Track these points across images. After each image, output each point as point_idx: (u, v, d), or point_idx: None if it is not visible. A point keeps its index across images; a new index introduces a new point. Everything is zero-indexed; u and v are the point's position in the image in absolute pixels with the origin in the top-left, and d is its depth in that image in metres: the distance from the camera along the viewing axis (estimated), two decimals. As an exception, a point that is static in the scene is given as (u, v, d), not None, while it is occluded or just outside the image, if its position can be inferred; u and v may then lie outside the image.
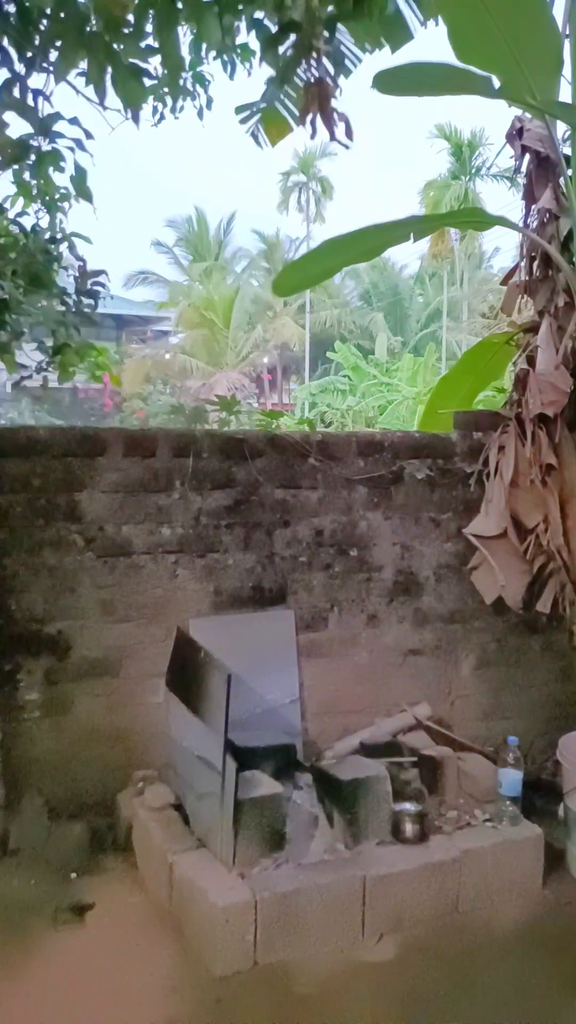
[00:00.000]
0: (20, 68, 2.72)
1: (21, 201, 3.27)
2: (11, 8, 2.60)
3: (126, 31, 2.43)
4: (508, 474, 2.86)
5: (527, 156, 3.09)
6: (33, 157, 2.86)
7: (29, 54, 2.67)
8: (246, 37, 3.06)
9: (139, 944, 2.03)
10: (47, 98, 2.80)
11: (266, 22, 2.71)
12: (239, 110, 3.58)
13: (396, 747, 2.58)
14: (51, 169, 2.98)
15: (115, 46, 2.42)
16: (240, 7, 2.68)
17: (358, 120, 2.98)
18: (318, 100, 2.75)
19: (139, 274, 25.75)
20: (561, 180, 3.00)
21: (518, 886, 2.23)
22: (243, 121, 3.63)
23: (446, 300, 23.99)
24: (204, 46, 3.28)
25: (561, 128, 2.98)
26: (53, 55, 2.59)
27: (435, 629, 2.99)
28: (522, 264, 3.14)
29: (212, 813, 2.14)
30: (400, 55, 3.08)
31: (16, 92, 2.70)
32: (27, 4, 2.51)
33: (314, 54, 2.63)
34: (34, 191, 3.23)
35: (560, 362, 2.88)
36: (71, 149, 2.81)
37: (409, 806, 2.19)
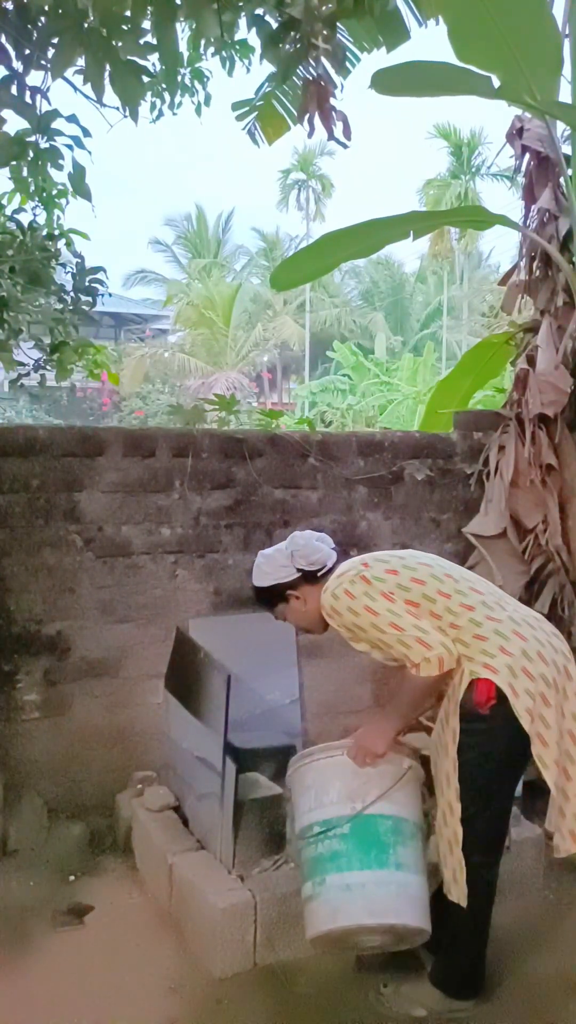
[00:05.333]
0: (18, 65, 2.70)
1: (18, 198, 3.26)
2: (9, 5, 2.58)
3: (124, 27, 2.42)
4: (508, 474, 2.86)
5: (527, 156, 3.09)
6: (31, 154, 2.85)
7: (27, 51, 2.66)
8: (245, 33, 3.05)
9: (139, 945, 2.02)
10: (45, 95, 2.79)
11: (267, 18, 2.70)
12: (236, 107, 3.57)
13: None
14: (49, 166, 2.96)
15: (113, 43, 2.40)
16: (240, 3, 2.67)
17: (358, 118, 2.97)
18: (316, 99, 2.73)
19: (138, 273, 25.72)
20: (561, 180, 3.00)
21: (518, 886, 2.23)
22: (240, 118, 3.62)
23: (446, 299, 23.97)
24: (203, 43, 3.26)
25: (561, 128, 2.98)
26: (51, 52, 2.57)
27: (435, 629, 2.99)
28: (522, 264, 3.14)
29: (212, 814, 2.13)
30: (396, 55, 3.08)
31: (14, 89, 2.68)
32: (25, 1, 2.49)
33: (313, 52, 2.61)
34: (31, 188, 3.21)
35: (560, 362, 2.88)
36: (69, 147, 2.79)
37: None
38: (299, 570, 1.90)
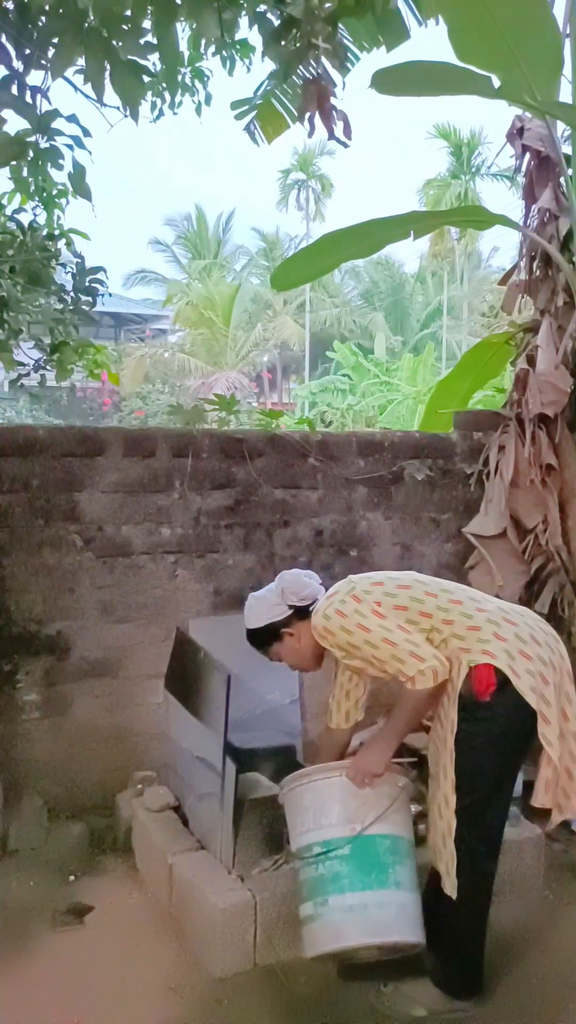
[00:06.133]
0: (18, 65, 2.70)
1: (18, 198, 3.26)
2: (9, 5, 2.58)
3: (124, 27, 2.42)
4: (508, 474, 2.86)
5: (527, 155, 3.09)
6: (31, 154, 2.85)
7: (27, 51, 2.66)
8: (246, 32, 3.05)
9: (139, 945, 2.02)
10: (45, 95, 2.78)
11: (269, 16, 2.69)
12: (235, 105, 3.56)
13: (396, 747, 2.57)
14: (49, 166, 2.96)
15: (113, 43, 2.40)
16: (242, 1, 2.67)
17: (358, 118, 2.97)
18: (317, 98, 2.73)
19: (138, 273, 25.74)
20: (561, 180, 3.00)
21: (518, 886, 2.23)
22: (239, 117, 3.61)
23: (446, 299, 23.97)
24: (203, 42, 3.26)
25: (561, 128, 2.98)
26: (51, 52, 2.57)
27: (435, 629, 2.99)
28: (522, 263, 3.14)
29: (212, 814, 2.13)
30: (396, 54, 3.08)
31: (14, 89, 2.68)
32: (25, 1, 2.49)
33: (313, 52, 2.61)
34: (31, 188, 3.22)
35: (560, 362, 2.88)
36: (69, 147, 2.79)
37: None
38: (291, 607, 1.96)
